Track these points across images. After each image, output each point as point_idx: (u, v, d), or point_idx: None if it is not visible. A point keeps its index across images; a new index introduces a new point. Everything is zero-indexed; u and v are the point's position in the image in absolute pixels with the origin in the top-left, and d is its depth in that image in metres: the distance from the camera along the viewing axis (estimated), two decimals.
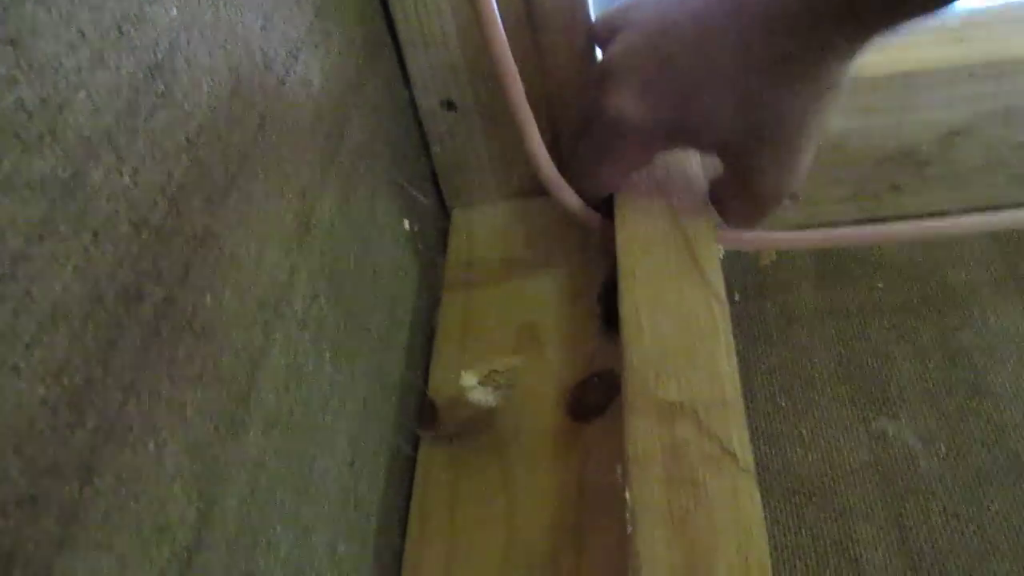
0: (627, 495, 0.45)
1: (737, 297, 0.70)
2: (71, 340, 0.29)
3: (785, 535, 0.57)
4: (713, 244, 0.56)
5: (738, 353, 0.50)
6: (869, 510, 0.58)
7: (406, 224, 0.64)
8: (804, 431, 0.62)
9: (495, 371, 0.56)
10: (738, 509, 0.43)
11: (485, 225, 0.72)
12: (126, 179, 0.33)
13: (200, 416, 0.36)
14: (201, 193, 0.38)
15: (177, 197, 0.36)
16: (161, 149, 0.36)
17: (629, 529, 0.44)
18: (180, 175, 0.37)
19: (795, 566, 0.56)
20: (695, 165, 0.61)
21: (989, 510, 0.57)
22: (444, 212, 0.75)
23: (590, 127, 0.57)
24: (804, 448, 0.62)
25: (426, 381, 0.63)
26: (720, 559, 0.42)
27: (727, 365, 0.49)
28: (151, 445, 0.33)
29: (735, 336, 0.51)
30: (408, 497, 0.57)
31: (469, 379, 0.56)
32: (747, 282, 0.71)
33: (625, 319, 0.51)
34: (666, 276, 0.53)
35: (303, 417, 0.44)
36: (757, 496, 0.44)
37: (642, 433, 0.46)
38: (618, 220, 0.58)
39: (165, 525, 0.33)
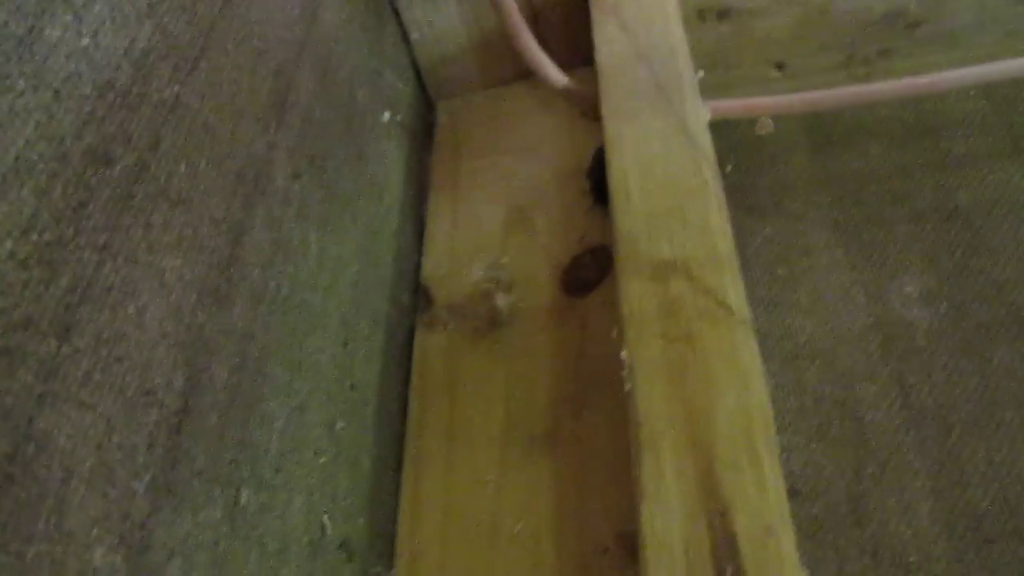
0: (624, 354, 0.44)
1: (729, 168, 0.69)
2: (38, 197, 0.29)
3: (788, 398, 0.57)
4: (699, 108, 0.55)
5: (733, 225, 0.49)
6: (871, 371, 0.58)
7: (386, 115, 0.63)
8: (803, 297, 0.62)
9: (493, 265, 0.56)
10: (736, 360, 0.43)
11: (470, 113, 0.71)
12: (85, 40, 0.32)
13: (181, 283, 0.35)
14: (168, 61, 0.37)
15: (142, 63, 0.35)
16: (121, 13, 0.35)
17: (627, 387, 0.43)
18: (144, 41, 0.36)
19: (799, 428, 0.56)
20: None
21: (991, 363, 0.57)
22: (429, 106, 0.74)
23: None
24: (803, 314, 0.61)
25: (418, 268, 0.62)
26: (720, 409, 0.41)
27: (718, 222, 0.48)
28: (131, 308, 0.32)
29: (729, 209, 0.50)
30: (406, 382, 0.57)
31: (471, 269, 0.56)
32: (739, 155, 0.70)
33: (614, 185, 0.51)
34: (653, 141, 0.53)
35: (291, 293, 0.44)
36: (755, 346, 0.43)
37: (636, 293, 0.46)
38: (602, 90, 0.57)
39: (151, 389, 0.32)
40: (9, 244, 0.27)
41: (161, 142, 0.36)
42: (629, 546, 0.46)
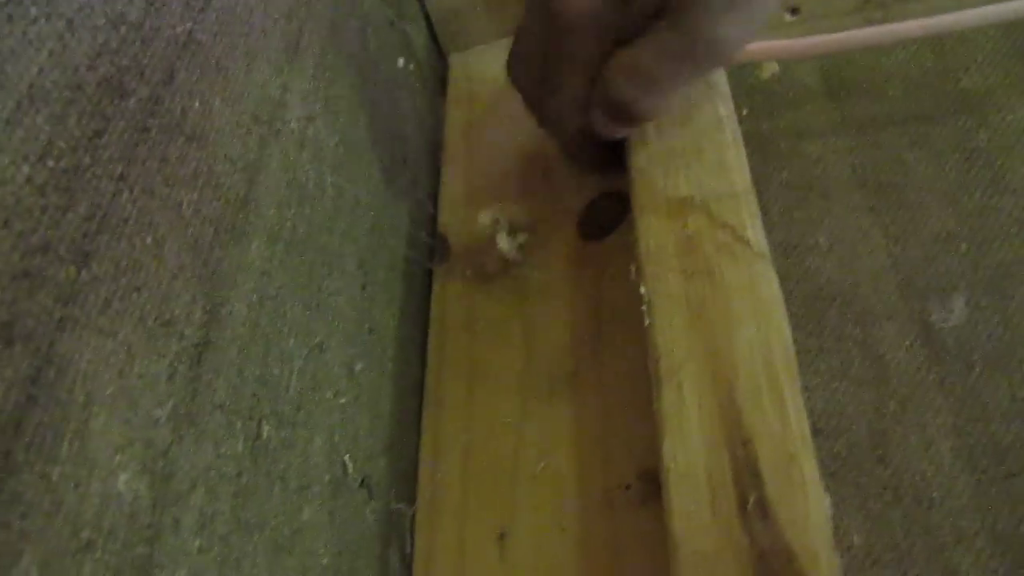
0: (642, 290, 0.44)
1: (745, 113, 0.68)
2: (53, 124, 0.29)
3: (808, 338, 0.57)
4: None
5: (749, 170, 0.49)
6: (891, 311, 0.57)
7: (400, 62, 0.62)
8: (821, 240, 0.61)
9: (509, 212, 0.56)
10: (755, 293, 0.43)
11: (483, 64, 0.71)
12: None
13: (198, 218, 0.35)
14: None
15: None
16: None
17: (647, 322, 0.43)
18: None
19: (819, 368, 0.55)
20: None
21: (1013, 300, 0.56)
22: (441, 57, 0.73)
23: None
24: (822, 256, 0.61)
25: (435, 216, 0.62)
26: (740, 342, 0.41)
27: (735, 158, 0.48)
28: (149, 239, 0.32)
29: (745, 154, 0.50)
30: (425, 329, 0.57)
31: (484, 218, 0.56)
32: (754, 100, 0.70)
33: None
34: None
35: (307, 235, 0.44)
36: (774, 279, 0.43)
37: (654, 230, 0.46)
38: None
39: (171, 320, 0.32)
40: (26, 169, 0.27)
41: (175, 77, 0.36)
42: (651, 481, 0.46)
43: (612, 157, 0.53)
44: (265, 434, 0.37)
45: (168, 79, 0.35)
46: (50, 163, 0.28)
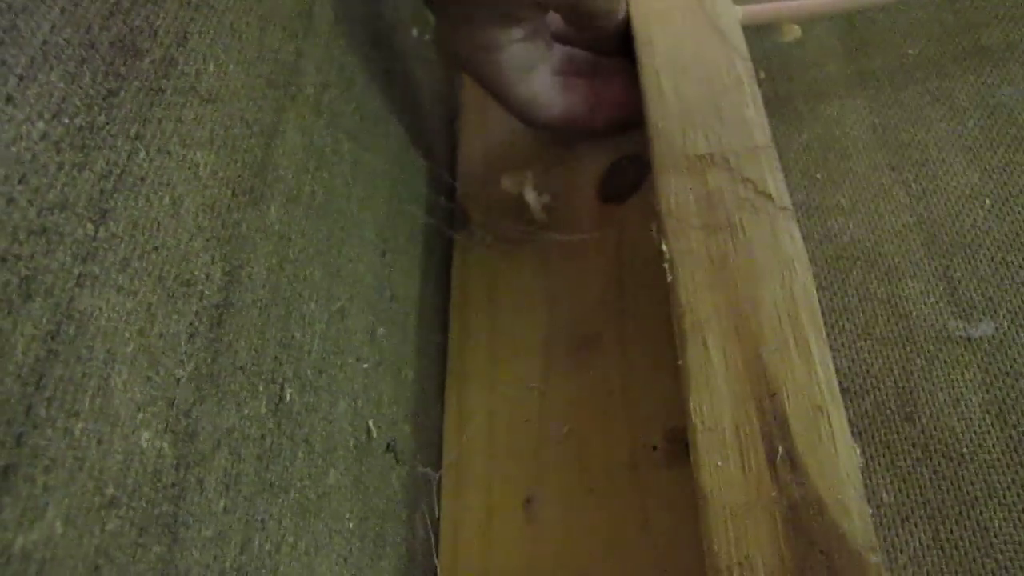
0: (664, 247, 0.44)
1: (762, 75, 0.67)
2: (67, 82, 0.29)
3: (832, 298, 0.56)
4: (731, 8, 0.54)
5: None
6: (916, 268, 0.57)
7: (415, 32, 0.62)
8: (843, 200, 0.61)
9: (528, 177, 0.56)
10: (778, 246, 0.42)
11: None
12: None
13: (215, 180, 0.35)
14: None
15: None
16: None
17: (669, 279, 0.43)
18: None
19: (843, 327, 0.55)
20: None
21: None
22: None
23: None
24: (845, 216, 0.60)
25: (453, 186, 0.62)
26: (765, 295, 0.41)
27: (754, 114, 0.47)
28: (166, 199, 0.32)
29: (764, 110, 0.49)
30: (447, 298, 0.57)
31: (508, 181, 0.55)
32: (772, 63, 0.69)
33: (645, 85, 0.50)
34: (685, 40, 0.52)
35: (326, 200, 0.44)
36: (797, 233, 0.43)
37: (674, 187, 0.45)
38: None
39: (190, 280, 0.32)
40: (41, 125, 0.27)
41: (188, 39, 0.35)
42: (678, 441, 0.46)
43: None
44: (288, 397, 0.37)
45: (182, 40, 0.35)
46: (65, 120, 0.28)
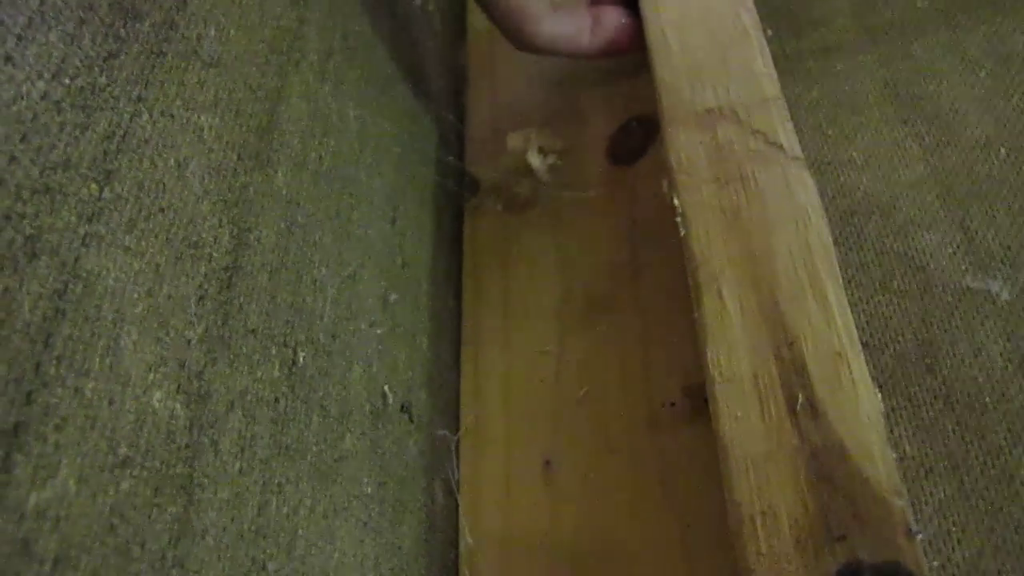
0: (676, 202, 0.43)
1: (770, 32, 0.67)
2: (66, 43, 0.28)
3: (848, 254, 0.55)
4: None
5: None
6: (932, 220, 0.56)
7: (417, 0, 0.62)
8: (856, 155, 0.60)
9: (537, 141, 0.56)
10: (791, 196, 0.42)
11: None
12: None
13: (220, 143, 0.35)
14: None
15: None
16: None
17: (682, 232, 0.42)
18: None
19: (860, 281, 0.54)
20: None
21: None
22: None
23: None
24: (858, 171, 0.59)
25: (462, 154, 0.61)
26: (779, 245, 0.40)
27: (763, 66, 0.47)
28: (171, 161, 0.32)
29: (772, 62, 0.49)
30: (459, 266, 0.56)
31: (515, 140, 0.55)
32: (779, 21, 0.68)
33: (652, 40, 0.50)
34: None
35: (333, 165, 0.43)
36: (810, 182, 0.42)
37: (684, 142, 0.45)
38: None
39: (198, 243, 0.32)
40: (41, 85, 0.27)
41: (188, 3, 0.35)
42: (696, 397, 0.45)
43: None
44: (301, 360, 0.37)
45: (182, 4, 0.35)
46: (65, 81, 0.28)
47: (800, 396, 0.36)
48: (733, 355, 0.38)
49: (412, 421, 0.44)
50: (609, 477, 0.46)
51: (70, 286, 0.26)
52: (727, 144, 0.44)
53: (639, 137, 0.56)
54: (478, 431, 0.49)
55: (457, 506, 0.47)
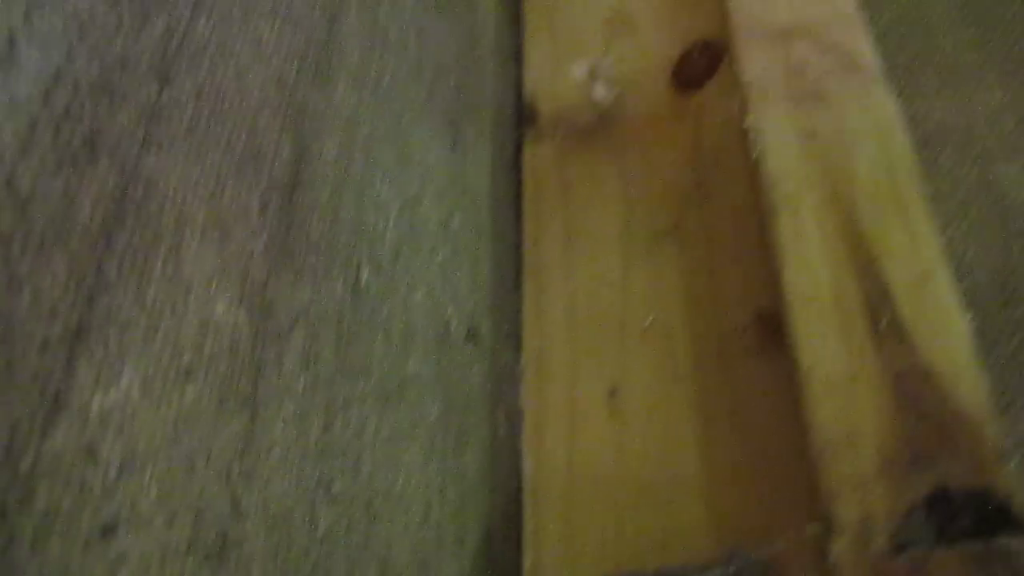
0: (748, 122, 0.41)
1: None
2: None
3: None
4: None
5: None
6: (1010, 150, 0.54)
7: None
8: (929, 81, 0.58)
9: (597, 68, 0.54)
10: (870, 113, 0.40)
11: None
12: None
13: (279, 53, 0.33)
14: None
15: None
16: None
17: (754, 154, 0.41)
18: None
19: (936, 212, 0.52)
20: None
21: None
22: None
23: None
24: (931, 98, 0.57)
25: (520, 84, 0.60)
26: (859, 163, 0.39)
27: None
28: (230, 67, 0.30)
29: None
30: (518, 196, 0.55)
31: (575, 71, 0.54)
32: None
33: None
34: None
35: (392, 84, 0.42)
36: (890, 98, 0.40)
37: (757, 59, 0.43)
38: None
39: (259, 153, 0.31)
40: None
41: None
42: (768, 324, 0.44)
43: None
44: (364, 279, 0.35)
45: None
46: None
47: (884, 318, 0.34)
48: (812, 277, 0.36)
49: (476, 346, 0.43)
50: (675, 408, 0.44)
51: (130, 189, 0.25)
52: (803, 61, 0.42)
53: (703, 63, 0.54)
54: (541, 360, 0.48)
55: (520, 435, 0.46)
